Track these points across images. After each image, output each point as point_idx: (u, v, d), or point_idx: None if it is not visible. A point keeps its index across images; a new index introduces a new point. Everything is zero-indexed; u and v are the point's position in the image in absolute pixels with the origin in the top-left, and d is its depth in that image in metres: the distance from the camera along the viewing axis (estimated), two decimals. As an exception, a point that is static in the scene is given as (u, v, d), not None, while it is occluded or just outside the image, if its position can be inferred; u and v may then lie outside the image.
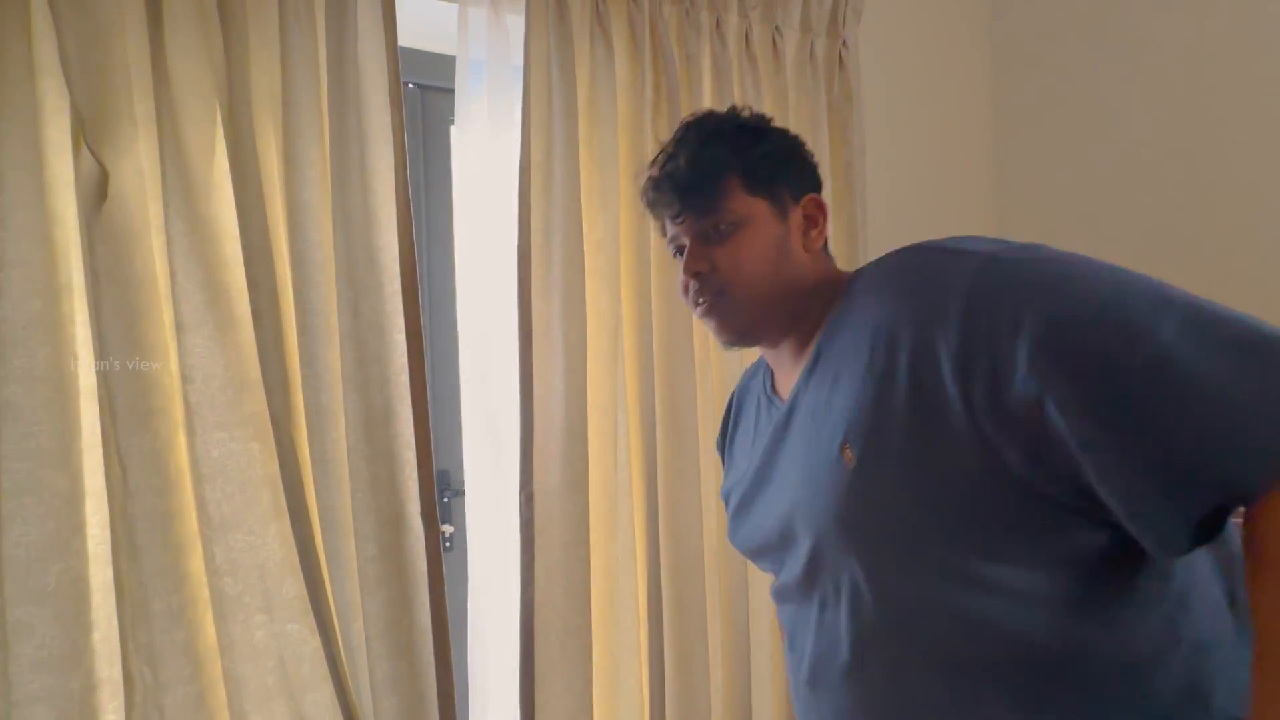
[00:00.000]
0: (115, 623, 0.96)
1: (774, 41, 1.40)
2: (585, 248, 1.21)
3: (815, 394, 0.62)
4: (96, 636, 0.96)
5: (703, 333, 1.32)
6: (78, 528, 0.94)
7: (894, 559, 0.56)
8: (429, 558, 1.10)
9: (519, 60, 1.20)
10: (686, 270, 0.66)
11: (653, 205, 0.69)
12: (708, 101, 1.34)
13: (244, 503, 1.01)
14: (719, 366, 1.35)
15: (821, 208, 0.69)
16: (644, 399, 1.26)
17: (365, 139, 1.06)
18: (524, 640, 1.18)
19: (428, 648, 1.09)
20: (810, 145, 1.41)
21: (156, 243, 0.95)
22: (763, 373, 0.75)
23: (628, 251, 1.26)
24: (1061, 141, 1.75)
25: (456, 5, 1.19)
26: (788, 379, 0.69)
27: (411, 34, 1.28)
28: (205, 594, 1.01)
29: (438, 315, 1.38)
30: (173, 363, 0.98)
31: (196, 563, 1.00)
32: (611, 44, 1.23)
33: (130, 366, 0.94)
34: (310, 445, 1.03)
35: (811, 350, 0.65)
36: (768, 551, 0.69)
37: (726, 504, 0.76)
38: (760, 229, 0.65)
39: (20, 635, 0.90)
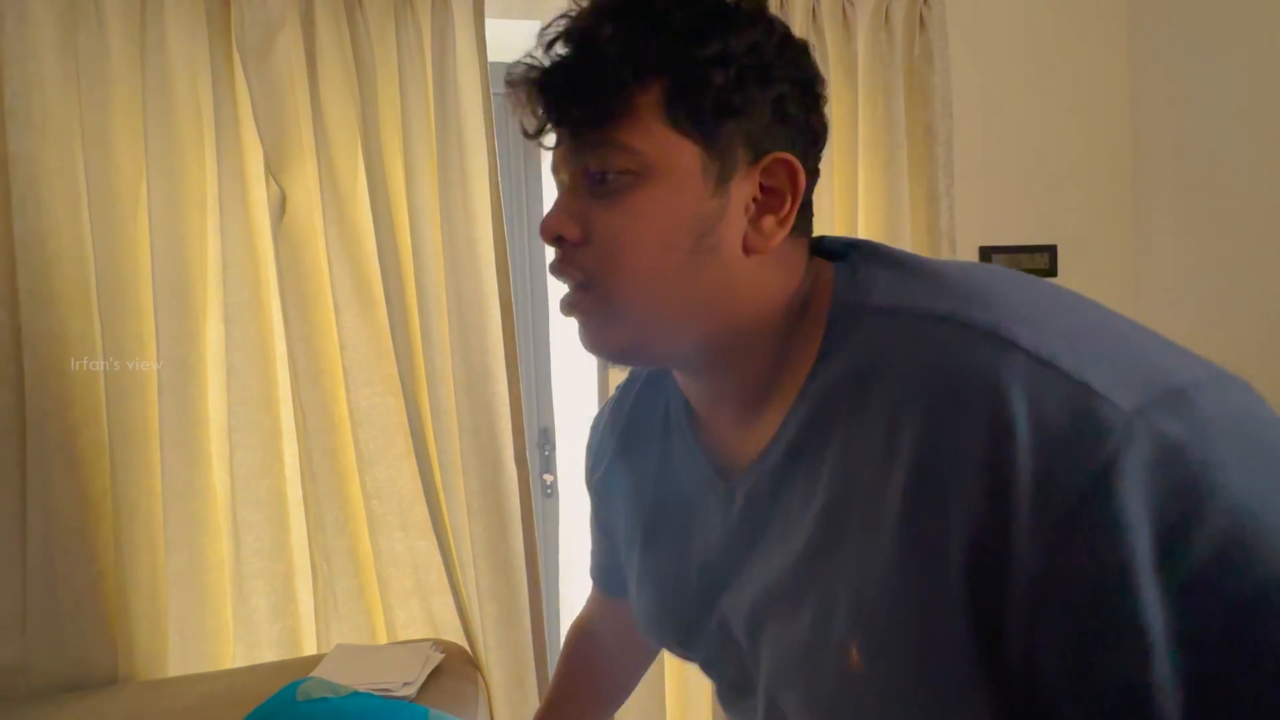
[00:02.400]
0: (304, 527, 1.32)
1: (844, 11, 1.41)
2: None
3: (803, 506, 0.40)
4: (293, 536, 1.33)
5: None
6: (278, 455, 1.31)
7: None
8: (520, 494, 1.34)
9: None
10: (544, 229, 0.42)
11: (513, 105, 0.43)
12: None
13: (384, 443, 1.32)
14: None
15: (794, 177, 0.41)
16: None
17: (464, 150, 1.30)
18: (603, 572, 1.39)
19: (521, 567, 1.35)
20: (883, 112, 1.44)
21: (319, 245, 1.27)
22: (674, 402, 0.51)
23: (690, 231, 1.38)
24: (1206, 92, 1.54)
25: (539, 23, 1.37)
26: (734, 444, 0.46)
27: (511, 50, 1.50)
28: (361, 512, 1.34)
29: (537, 295, 1.61)
30: (334, 335, 1.30)
31: (354, 487, 1.34)
32: (675, 39, 1.35)
33: (304, 337, 1.27)
34: (429, 400, 1.31)
35: (786, 424, 0.41)
36: (710, 667, 0.50)
37: (605, 572, 0.59)
38: (674, 192, 0.40)
39: (245, 528, 1.28)
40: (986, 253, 1.66)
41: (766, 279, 0.43)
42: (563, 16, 0.42)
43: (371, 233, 1.27)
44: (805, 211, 0.44)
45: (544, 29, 0.42)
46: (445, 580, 1.34)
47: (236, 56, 1.20)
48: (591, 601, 0.69)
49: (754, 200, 0.42)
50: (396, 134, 1.28)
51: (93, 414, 1.22)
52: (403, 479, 1.34)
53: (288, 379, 1.30)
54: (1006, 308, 0.34)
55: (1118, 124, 1.71)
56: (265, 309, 1.29)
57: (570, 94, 0.40)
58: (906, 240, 1.45)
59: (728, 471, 0.47)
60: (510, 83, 0.43)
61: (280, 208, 1.24)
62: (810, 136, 0.44)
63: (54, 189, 1.18)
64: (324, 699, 1.00)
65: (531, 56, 0.42)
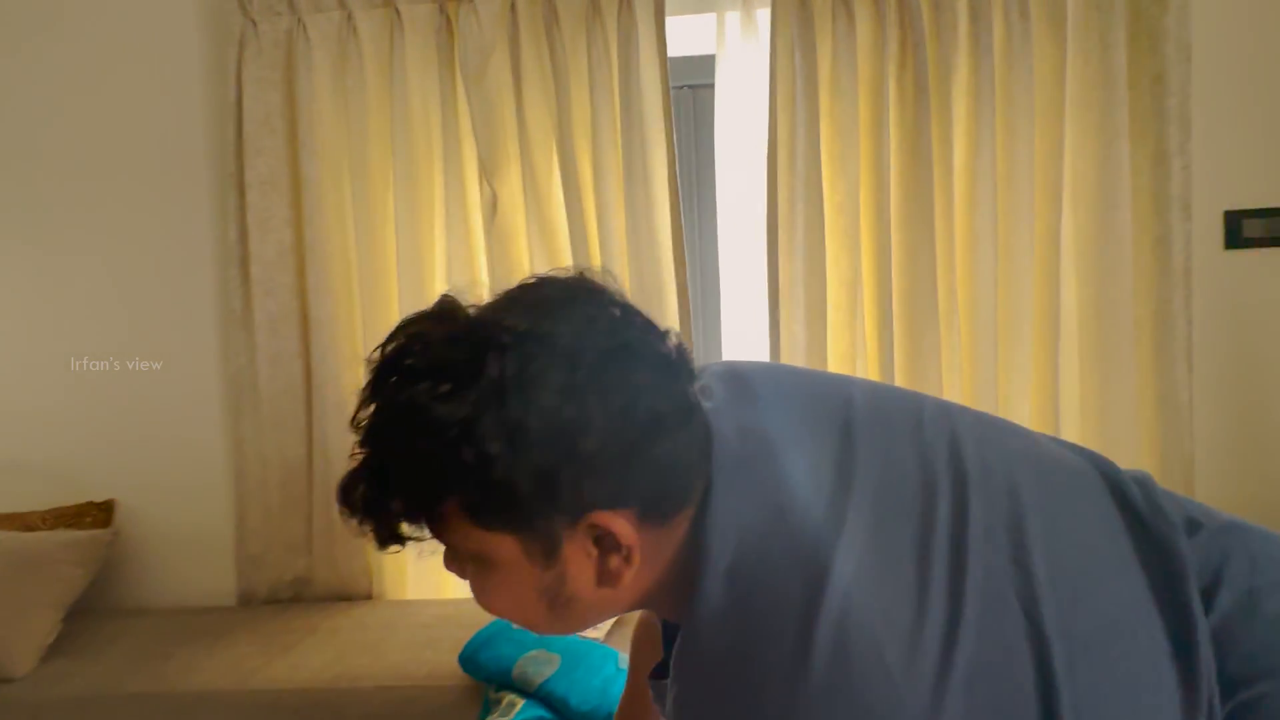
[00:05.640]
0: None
1: (1051, -45, 1.29)
2: (826, 211, 1.37)
3: None
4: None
5: (948, 286, 1.36)
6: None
7: None
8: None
9: (768, 48, 1.40)
10: (447, 564, 0.47)
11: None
12: (962, 48, 1.33)
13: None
14: (967, 317, 1.37)
15: (616, 539, 0.42)
16: (883, 349, 1.38)
17: (646, 145, 1.41)
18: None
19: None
20: (1097, 64, 1.31)
21: (522, 239, 1.47)
22: None
23: (868, 212, 1.37)
24: None
25: (714, 14, 1.44)
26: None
27: (681, 44, 1.59)
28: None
29: (708, 280, 1.69)
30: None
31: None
32: (853, 13, 1.34)
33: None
34: (613, 377, 1.45)
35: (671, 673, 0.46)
36: None
37: None
38: (509, 577, 0.43)
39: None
40: (1235, 217, 1.42)
41: (641, 583, 0.44)
42: (363, 445, 0.43)
43: (565, 227, 1.44)
44: (674, 502, 0.44)
45: (360, 464, 0.43)
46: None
47: (459, 80, 1.42)
48: None
49: (590, 552, 0.42)
50: (587, 135, 1.43)
51: (356, 381, 1.52)
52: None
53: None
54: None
55: None
56: (478, 294, 1.51)
57: (392, 517, 0.43)
58: (1126, 209, 1.31)
59: None
60: (350, 512, 0.44)
61: (492, 209, 1.45)
62: (634, 457, 0.41)
63: (328, 203, 1.49)
64: (532, 628, 1.19)
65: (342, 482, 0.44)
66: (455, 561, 0.46)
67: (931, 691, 0.37)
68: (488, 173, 1.44)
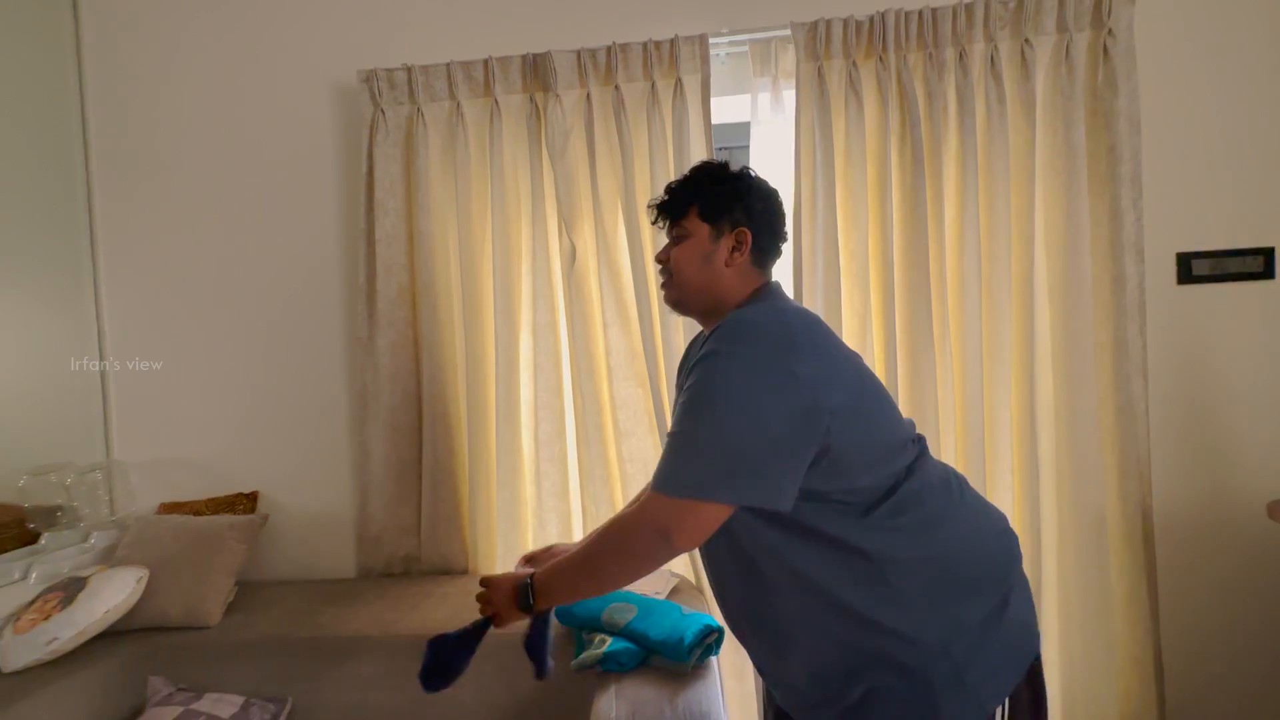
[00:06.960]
0: (578, 478, 1.89)
1: (1022, 54, 1.61)
2: (841, 257, 1.70)
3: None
4: (571, 484, 1.90)
5: (941, 317, 1.68)
6: (564, 428, 1.89)
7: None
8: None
9: (793, 123, 1.73)
10: (656, 257, 1.08)
11: (651, 215, 1.10)
12: (951, 126, 1.65)
13: (635, 422, 1.84)
14: (957, 342, 1.68)
15: (744, 239, 1.01)
16: (889, 369, 1.69)
17: (694, 204, 1.75)
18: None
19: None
20: (1062, 139, 1.61)
21: (594, 282, 1.82)
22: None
23: (875, 258, 1.69)
24: None
25: (749, 95, 1.78)
26: None
27: (721, 113, 1.93)
28: (618, 471, 1.88)
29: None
30: (601, 344, 1.84)
31: (614, 453, 1.88)
32: (862, 100, 1.66)
33: (583, 346, 1.83)
34: (668, 390, 1.79)
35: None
36: None
37: None
38: (698, 243, 1.02)
39: (544, 477, 1.88)
40: (1186, 258, 1.71)
41: (733, 283, 1.03)
42: (673, 182, 1.08)
43: (629, 271, 1.79)
44: (764, 259, 1.05)
45: (669, 185, 1.08)
46: (677, 526, 1.82)
47: (545, 154, 1.78)
48: None
49: (732, 245, 1.03)
50: (647, 196, 1.78)
51: (457, 396, 1.90)
52: (647, 449, 1.84)
53: (570, 375, 1.87)
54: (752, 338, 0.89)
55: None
56: (556, 327, 1.87)
57: (667, 211, 1.07)
58: (1087, 255, 1.61)
59: None
60: (650, 207, 1.11)
61: (571, 257, 1.80)
62: (765, 220, 1.04)
63: (436, 251, 1.86)
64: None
65: (662, 193, 1.10)
66: (668, 245, 1.07)
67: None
68: (567, 228, 1.80)
